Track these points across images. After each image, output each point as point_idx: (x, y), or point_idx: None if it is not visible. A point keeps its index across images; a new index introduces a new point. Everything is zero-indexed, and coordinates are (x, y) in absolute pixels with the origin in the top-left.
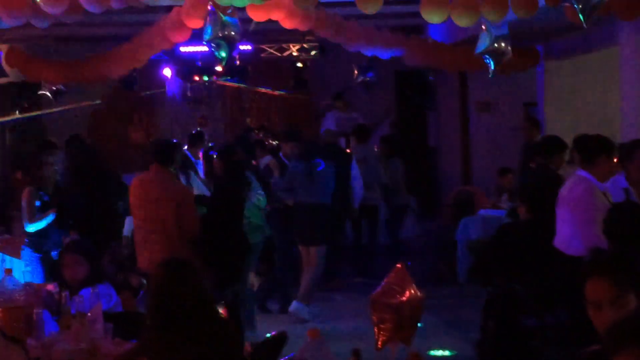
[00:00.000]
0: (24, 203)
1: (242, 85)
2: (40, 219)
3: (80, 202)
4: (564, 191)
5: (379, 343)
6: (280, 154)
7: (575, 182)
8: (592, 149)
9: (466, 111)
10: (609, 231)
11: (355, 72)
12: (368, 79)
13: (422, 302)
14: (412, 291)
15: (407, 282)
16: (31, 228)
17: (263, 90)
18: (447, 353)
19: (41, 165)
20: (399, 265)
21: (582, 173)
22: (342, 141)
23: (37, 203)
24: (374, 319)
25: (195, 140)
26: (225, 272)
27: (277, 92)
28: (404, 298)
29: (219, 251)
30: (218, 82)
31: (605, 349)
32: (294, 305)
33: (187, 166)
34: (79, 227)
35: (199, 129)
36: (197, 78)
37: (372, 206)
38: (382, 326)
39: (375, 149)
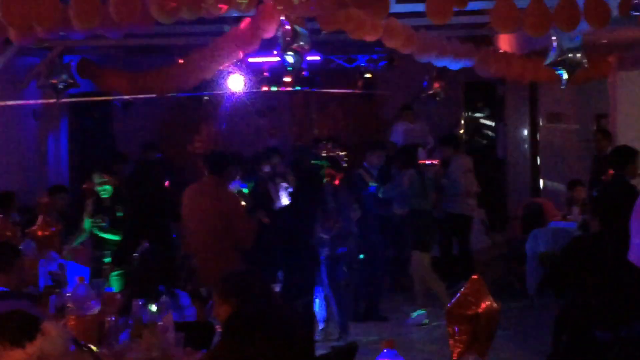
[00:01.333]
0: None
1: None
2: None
3: (157, 213)
4: (637, 203)
5: (454, 355)
6: (365, 163)
7: None
8: None
9: (536, 122)
10: None
11: (425, 82)
12: (437, 89)
13: (498, 314)
14: (488, 302)
15: (483, 293)
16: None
17: (332, 91)
18: None
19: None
20: (474, 276)
21: None
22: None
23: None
24: (449, 330)
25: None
26: (296, 284)
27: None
28: (480, 309)
29: (289, 263)
30: (286, 90)
31: None
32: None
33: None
34: (151, 236)
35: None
36: (265, 88)
37: (469, 216)
38: (457, 338)
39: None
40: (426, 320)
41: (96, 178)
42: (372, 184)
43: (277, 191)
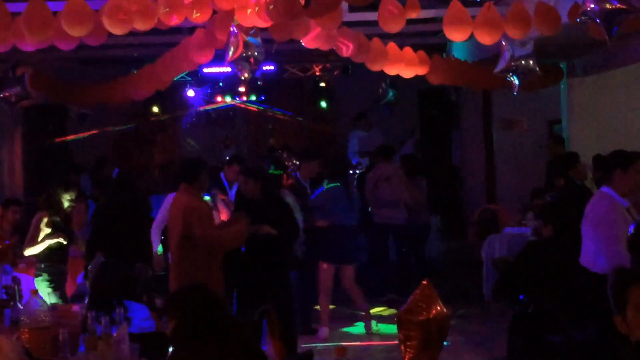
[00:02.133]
0: (31, 227)
1: (262, 108)
2: (38, 243)
3: (113, 225)
4: (587, 208)
5: None
6: (298, 174)
7: (597, 198)
8: (607, 165)
9: (490, 129)
10: (634, 247)
11: (379, 91)
12: (391, 98)
13: (449, 319)
14: (439, 308)
15: (433, 298)
16: (27, 252)
17: (282, 115)
18: None
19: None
20: (424, 282)
21: (604, 189)
22: (366, 161)
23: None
24: (401, 336)
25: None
26: (251, 292)
27: (296, 119)
28: (431, 315)
29: (249, 272)
30: (240, 105)
31: None
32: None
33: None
34: (107, 249)
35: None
36: (220, 99)
37: (397, 225)
38: (408, 343)
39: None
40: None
41: (65, 195)
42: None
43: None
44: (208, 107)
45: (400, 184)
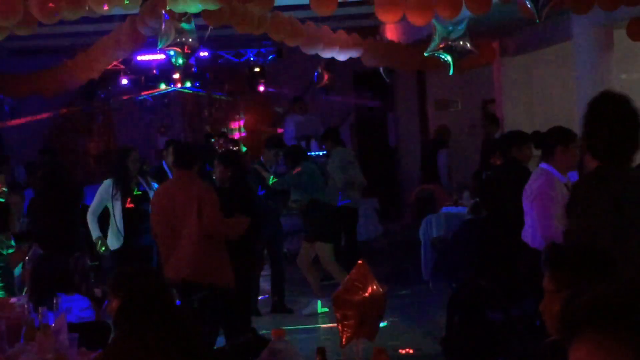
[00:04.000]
0: None
1: (199, 92)
2: None
3: (47, 216)
4: (526, 185)
5: (343, 340)
6: (262, 158)
7: (535, 175)
8: (548, 141)
9: (425, 110)
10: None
11: (314, 74)
12: (325, 81)
13: (385, 298)
14: (374, 287)
15: (368, 278)
16: None
17: (219, 96)
18: (412, 351)
19: None
20: (360, 262)
21: (543, 166)
22: (303, 144)
23: None
24: (337, 316)
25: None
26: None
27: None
28: (366, 294)
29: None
30: (176, 91)
31: (562, 337)
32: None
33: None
34: (43, 240)
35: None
36: (155, 86)
37: (354, 208)
38: (345, 323)
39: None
40: (324, 309)
41: None
42: (272, 178)
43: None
44: (147, 93)
45: (357, 167)
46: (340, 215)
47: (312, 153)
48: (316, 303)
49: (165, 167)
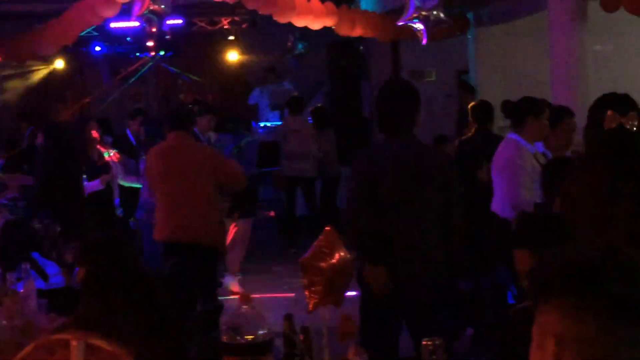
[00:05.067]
0: None
1: (173, 70)
2: None
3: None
4: (495, 155)
5: (310, 306)
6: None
7: (504, 145)
8: (518, 111)
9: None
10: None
11: (288, 43)
12: (299, 50)
13: (352, 264)
14: (342, 253)
15: (336, 244)
16: None
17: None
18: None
19: None
20: (327, 228)
21: (512, 136)
22: (277, 114)
23: None
24: (305, 282)
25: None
26: None
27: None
28: (334, 260)
29: None
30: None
31: (532, 303)
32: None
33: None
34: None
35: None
36: (128, 54)
37: (306, 178)
38: (312, 289)
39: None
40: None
41: None
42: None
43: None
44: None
45: (308, 137)
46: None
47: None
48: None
49: (129, 135)
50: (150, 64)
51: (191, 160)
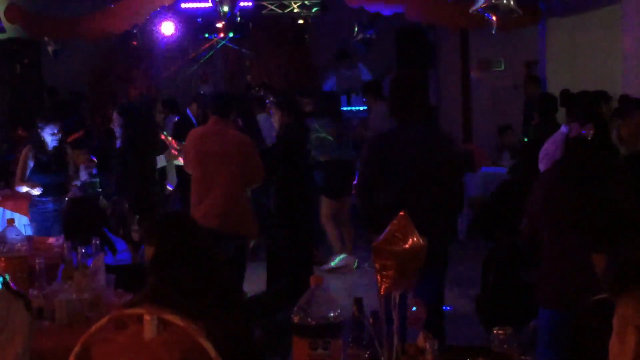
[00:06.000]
0: (20, 162)
1: (241, 49)
2: (31, 185)
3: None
4: (543, 149)
5: (382, 290)
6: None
7: (553, 137)
8: (572, 103)
9: (467, 69)
10: None
11: (356, 29)
12: (369, 36)
13: (424, 249)
14: (415, 239)
15: (409, 230)
16: (19, 189)
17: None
18: (446, 309)
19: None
20: (401, 213)
21: (563, 129)
22: (344, 98)
23: (31, 163)
24: (377, 266)
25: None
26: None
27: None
28: (407, 245)
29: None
30: (217, 43)
31: (609, 294)
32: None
33: None
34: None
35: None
36: (198, 35)
37: None
38: (384, 273)
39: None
40: (354, 265)
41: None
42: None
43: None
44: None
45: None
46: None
47: (353, 108)
48: (335, 259)
49: (190, 115)
50: (219, 44)
51: (222, 145)
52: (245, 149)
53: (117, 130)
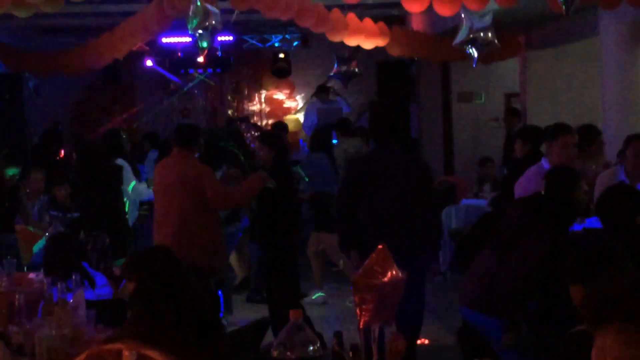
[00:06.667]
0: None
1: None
2: None
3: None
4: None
5: (361, 323)
6: None
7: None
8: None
9: (448, 102)
10: (598, 210)
11: (337, 63)
12: (350, 69)
13: (403, 283)
14: (394, 272)
15: (388, 263)
16: None
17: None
18: (427, 342)
19: None
20: (380, 247)
21: (543, 160)
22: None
23: None
24: (356, 299)
25: None
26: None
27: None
28: (386, 279)
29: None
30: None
31: (588, 326)
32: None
33: None
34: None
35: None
36: (178, 69)
37: None
38: (364, 307)
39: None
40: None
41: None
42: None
43: None
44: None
45: None
46: None
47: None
48: (316, 293)
49: None
50: (199, 79)
51: (178, 175)
52: (201, 178)
53: None
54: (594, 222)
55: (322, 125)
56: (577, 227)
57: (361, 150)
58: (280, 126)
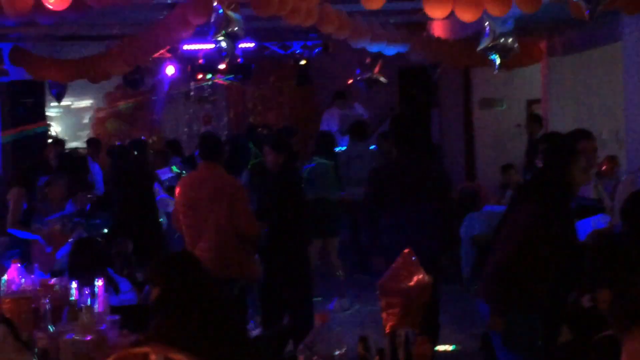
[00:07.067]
0: (10, 203)
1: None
2: (22, 228)
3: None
4: None
5: (387, 328)
6: None
7: None
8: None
9: (470, 108)
10: (624, 215)
11: (358, 70)
12: (372, 76)
13: (430, 287)
14: (420, 276)
15: (414, 267)
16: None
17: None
18: (451, 348)
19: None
20: (406, 251)
21: None
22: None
23: (25, 205)
24: (382, 304)
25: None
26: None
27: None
28: (412, 283)
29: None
30: (220, 82)
31: (616, 330)
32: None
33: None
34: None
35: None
36: (200, 76)
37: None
38: (390, 311)
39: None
40: (349, 306)
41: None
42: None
43: None
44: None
45: (371, 163)
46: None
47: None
48: (341, 300)
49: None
50: (220, 85)
51: (211, 190)
52: (235, 194)
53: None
54: (598, 221)
55: (343, 131)
56: (601, 224)
57: (372, 156)
58: (289, 131)
